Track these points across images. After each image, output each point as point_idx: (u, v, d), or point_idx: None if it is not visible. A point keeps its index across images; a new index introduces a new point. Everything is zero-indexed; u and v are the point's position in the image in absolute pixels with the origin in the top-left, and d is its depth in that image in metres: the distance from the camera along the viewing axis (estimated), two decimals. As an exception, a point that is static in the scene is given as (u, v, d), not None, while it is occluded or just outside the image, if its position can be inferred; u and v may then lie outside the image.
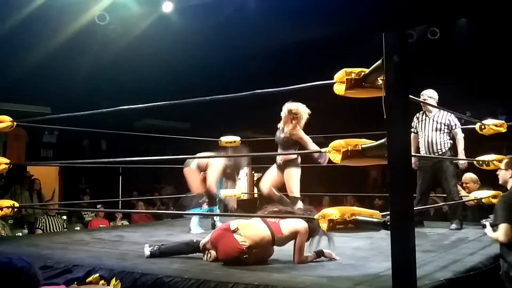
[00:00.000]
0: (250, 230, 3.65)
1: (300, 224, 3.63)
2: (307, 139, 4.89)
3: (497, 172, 4.11)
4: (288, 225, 3.66)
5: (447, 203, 5.66)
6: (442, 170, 5.57)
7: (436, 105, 5.53)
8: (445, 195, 5.75)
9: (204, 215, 5.74)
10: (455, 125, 5.62)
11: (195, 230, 5.45)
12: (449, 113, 5.57)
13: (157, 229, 5.97)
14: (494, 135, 5.27)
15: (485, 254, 3.88)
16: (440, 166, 5.59)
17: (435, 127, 5.63)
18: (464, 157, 5.47)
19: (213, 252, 3.72)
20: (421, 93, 5.60)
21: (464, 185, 6.01)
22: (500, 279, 3.66)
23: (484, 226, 4.23)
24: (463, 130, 5.74)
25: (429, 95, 5.66)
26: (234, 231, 3.62)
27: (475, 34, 9.41)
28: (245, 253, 3.55)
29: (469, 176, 5.99)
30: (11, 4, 7.14)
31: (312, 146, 4.85)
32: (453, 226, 5.48)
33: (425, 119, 5.72)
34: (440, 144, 5.60)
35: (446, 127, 5.62)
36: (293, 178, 4.95)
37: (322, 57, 9.02)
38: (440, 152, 5.59)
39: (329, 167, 4.54)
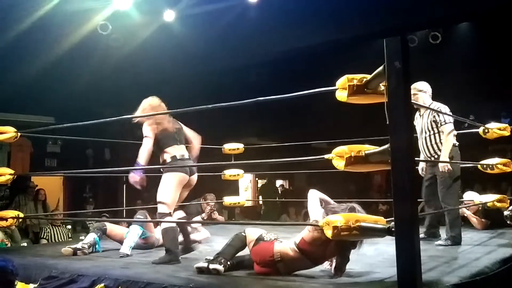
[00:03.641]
0: None
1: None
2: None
3: None
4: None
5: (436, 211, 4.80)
6: (438, 177, 4.70)
7: (430, 99, 4.80)
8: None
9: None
10: (443, 121, 4.65)
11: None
12: (436, 107, 4.65)
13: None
14: (498, 139, 5.18)
15: (491, 259, 3.86)
16: (436, 171, 4.73)
17: (426, 127, 4.78)
18: (448, 160, 4.55)
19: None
20: (412, 86, 4.28)
21: None
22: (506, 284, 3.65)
23: (507, 217, 4.20)
24: (467, 134, 5.26)
25: (420, 88, 4.74)
26: None
27: (477, 38, 9.42)
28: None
29: None
30: (13, 15, 7.18)
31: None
32: (438, 241, 4.65)
33: (418, 118, 4.89)
34: (433, 146, 4.76)
35: (434, 125, 4.71)
36: (163, 184, 4.28)
37: (324, 64, 9.02)
38: (435, 156, 4.72)
39: (332, 173, 4.49)
